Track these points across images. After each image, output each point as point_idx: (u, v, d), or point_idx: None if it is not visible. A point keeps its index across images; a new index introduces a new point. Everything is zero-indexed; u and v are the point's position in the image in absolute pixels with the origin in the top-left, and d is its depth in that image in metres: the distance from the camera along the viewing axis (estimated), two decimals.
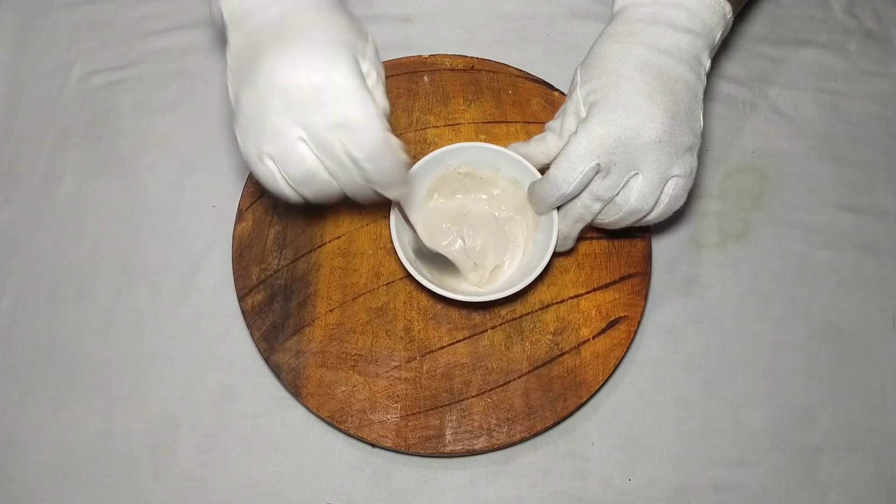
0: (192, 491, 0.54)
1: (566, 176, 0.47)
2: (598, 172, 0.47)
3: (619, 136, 0.46)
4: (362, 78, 0.44)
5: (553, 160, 0.49)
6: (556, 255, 0.54)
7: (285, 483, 0.54)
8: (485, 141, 0.54)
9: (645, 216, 0.49)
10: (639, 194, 0.48)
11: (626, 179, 0.48)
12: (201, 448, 0.55)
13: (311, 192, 0.46)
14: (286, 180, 0.46)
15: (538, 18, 0.69)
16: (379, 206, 0.51)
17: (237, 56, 0.46)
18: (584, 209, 0.50)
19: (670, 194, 0.48)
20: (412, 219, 0.53)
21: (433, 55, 0.64)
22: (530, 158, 0.53)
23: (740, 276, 0.60)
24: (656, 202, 0.49)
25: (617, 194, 0.48)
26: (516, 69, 0.64)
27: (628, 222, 0.50)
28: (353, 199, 0.48)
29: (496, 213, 0.58)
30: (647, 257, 0.58)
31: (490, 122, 0.62)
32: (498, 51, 0.66)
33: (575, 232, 0.52)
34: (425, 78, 0.63)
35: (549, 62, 0.66)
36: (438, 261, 0.55)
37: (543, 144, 0.52)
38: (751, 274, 0.60)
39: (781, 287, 0.60)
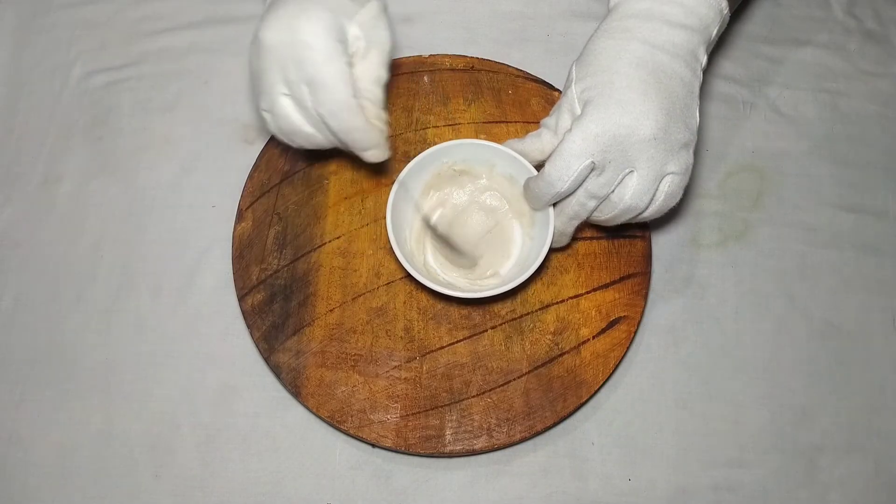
0: (192, 491, 0.54)
1: (561, 174, 0.47)
2: (592, 170, 0.47)
3: (613, 134, 0.46)
4: (337, 39, 0.47)
5: (548, 157, 0.49)
6: (553, 251, 0.54)
7: (285, 483, 0.54)
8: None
9: (640, 213, 0.49)
10: (634, 192, 0.48)
11: (621, 177, 0.47)
12: (201, 448, 0.55)
13: (301, 142, 0.51)
14: (280, 131, 0.50)
15: (538, 18, 0.69)
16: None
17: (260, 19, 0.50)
18: (579, 206, 0.50)
19: (665, 192, 0.48)
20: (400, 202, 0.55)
21: (433, 55, 0.64)
22: (525, 155, 0.53)
23: (740, 276, 0.60)
24: (651, 199, 0.48)
25: (612, 192, 0.48)
26: (516, 69, 0.64)
27: (624, 219, 0.50)
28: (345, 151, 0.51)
29: (492, 210, 0.58)
30: (647, 257, 0.58)
31: (490, 122, 0.62)
32: (498, 51, 0.66)
33: (570, 229, 0.52)
34: (425, 78, 0.63)
35: (548, 62, 0.66)
36: (446, 245, 0.56)
37: (539, 141, 0.51)
38: (751, 274, 0.60)
39: (781, 287, 0.60)
